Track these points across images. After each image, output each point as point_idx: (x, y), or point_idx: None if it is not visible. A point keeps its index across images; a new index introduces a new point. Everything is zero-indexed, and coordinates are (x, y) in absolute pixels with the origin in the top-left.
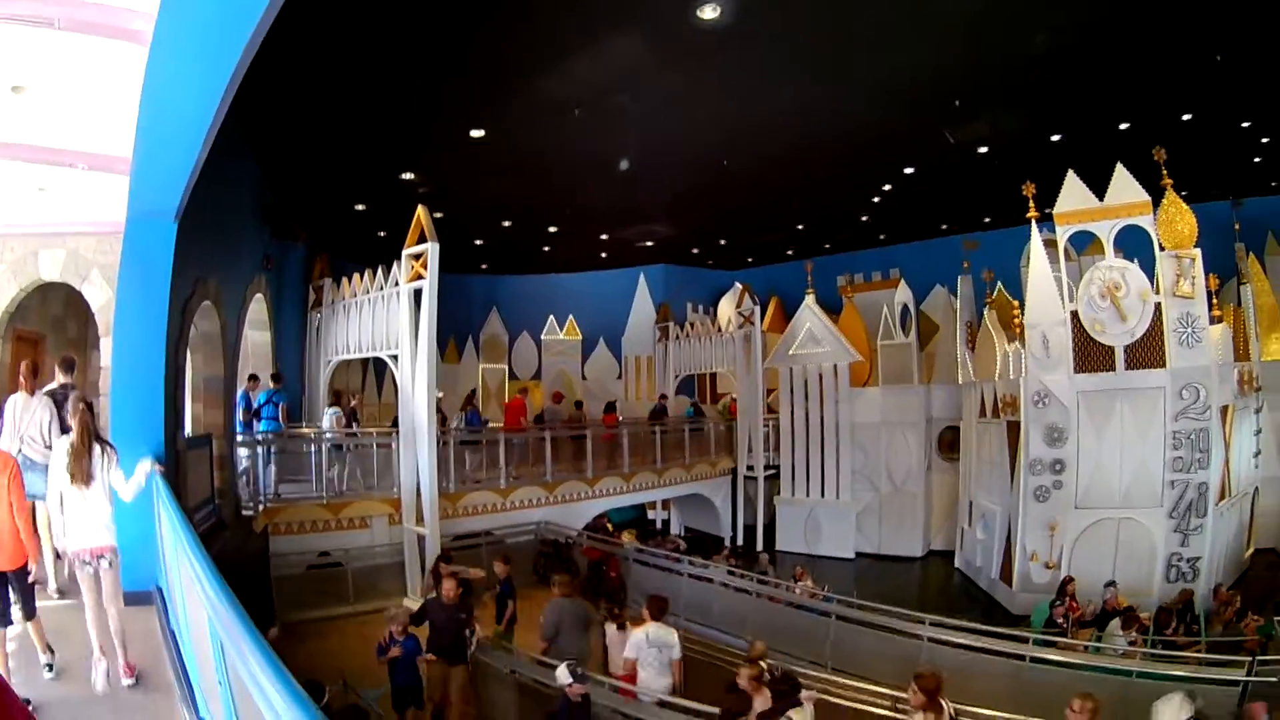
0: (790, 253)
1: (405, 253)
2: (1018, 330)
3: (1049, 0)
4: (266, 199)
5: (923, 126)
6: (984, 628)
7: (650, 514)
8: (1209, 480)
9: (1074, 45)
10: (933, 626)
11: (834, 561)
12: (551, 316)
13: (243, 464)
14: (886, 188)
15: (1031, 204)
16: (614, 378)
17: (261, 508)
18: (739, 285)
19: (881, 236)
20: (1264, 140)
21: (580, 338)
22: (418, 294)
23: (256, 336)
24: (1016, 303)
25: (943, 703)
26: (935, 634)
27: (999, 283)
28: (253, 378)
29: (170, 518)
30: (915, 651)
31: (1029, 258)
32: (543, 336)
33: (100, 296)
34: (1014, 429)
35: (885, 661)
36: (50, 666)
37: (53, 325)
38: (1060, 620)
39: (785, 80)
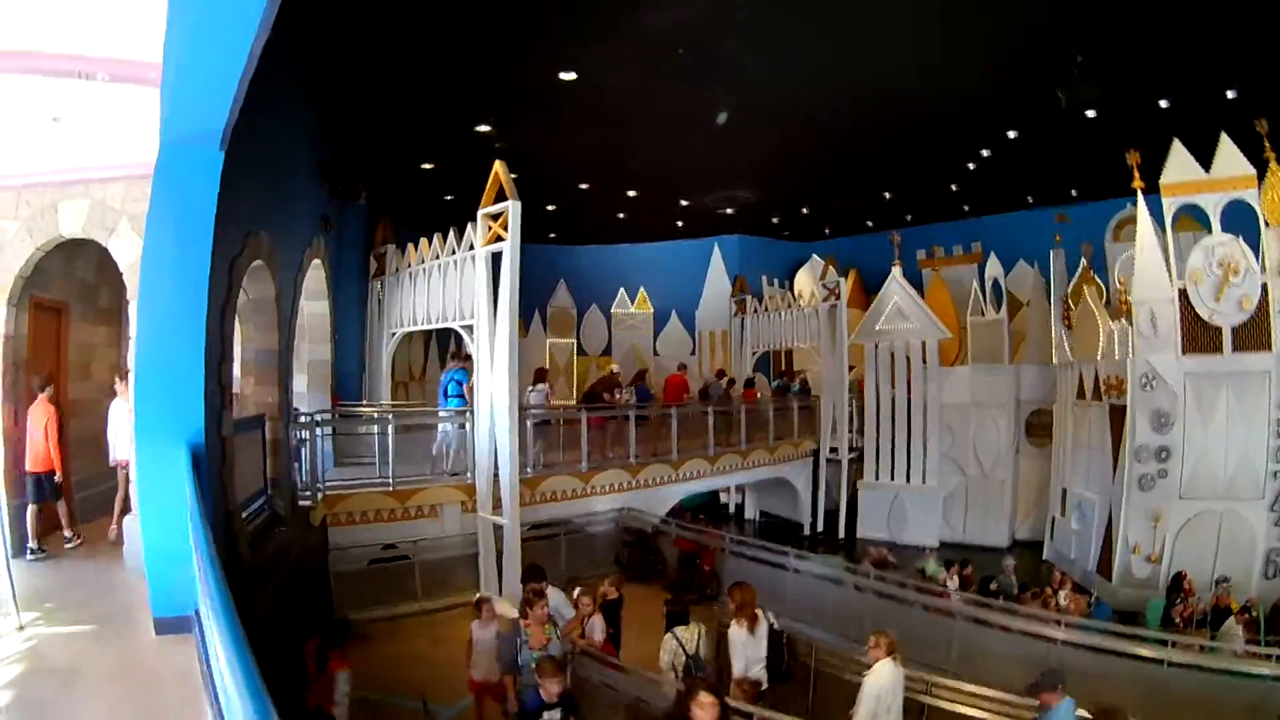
0: (870, 224)
1: (481, 213)
2: (1124, 308)
3: None
4: (324, 154)
5: (1035, 86)
6: (1119, 629)
7: (723, 498)
8: None
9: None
10: (1066, 629)
11: (917, 551)
12: (622, 289)
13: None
14: (985, 153)
15: (1136, 173)
16: (687, 353)
17: (320, 497)
18: (817, 257)
19: (965, 208)
20: None
21: (652, 311)
22: (496, 258)
23: (313, 307)
24: (1096, 280)
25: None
26: (1068, 636)
27: (1083, 260)
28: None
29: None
30: (1044, 654)
31: (1114, 232)
32: (613, 310)
33: (130, 253)
34: (1117, 413)
35: (1013, 665)
36: (69, 539)
37: (80, 292)
38: (1178, 620)
39: (905, 27)
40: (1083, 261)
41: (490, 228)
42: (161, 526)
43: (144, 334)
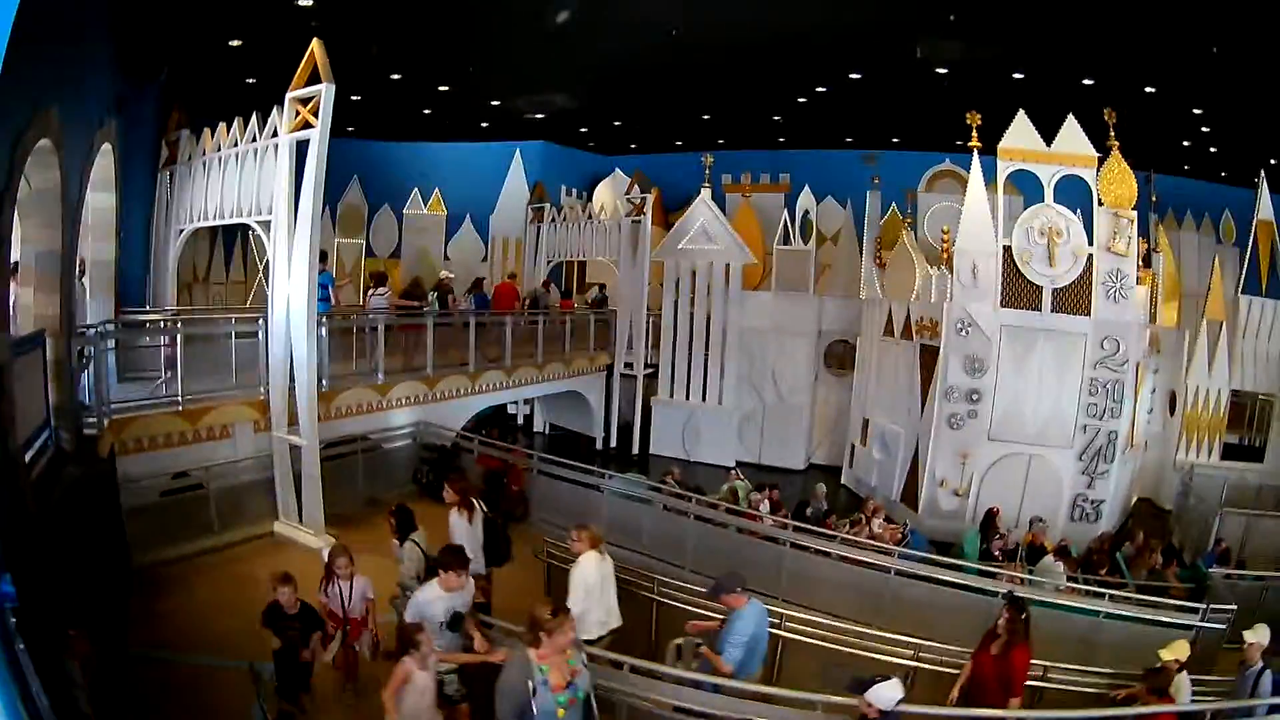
0: (679, 144)
1: (290, 96)
2: (944, 256)
3: None
4: (119, 22)
5: (892, 32)
6: (954, 562)
7: (511, 409)
8: (1119, 429)
9: None
10: (902, 560)
11: (713, 469)
12: (416, 189)
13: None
14: (822, 90)
15: (975, 134)
16: (479, 259)
17: (106, 423)
18: (620, 171)
19: (781, 139)
20: (1204, 129)
21: (445, 214)
22: (300, 148)
23: (98, 199)
24: (907, 221)
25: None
26: (905, 566)
27: (892, 204)
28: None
29: None
30: (881, 585)
31: (927, 184)
32: (405, 210)
33: None
34: (928, 353)
35: (848, 594)
36: None
37: None
38: (996, 553)
39: None
40: (893, 206)
41: (299, 113)
42: None
43: None
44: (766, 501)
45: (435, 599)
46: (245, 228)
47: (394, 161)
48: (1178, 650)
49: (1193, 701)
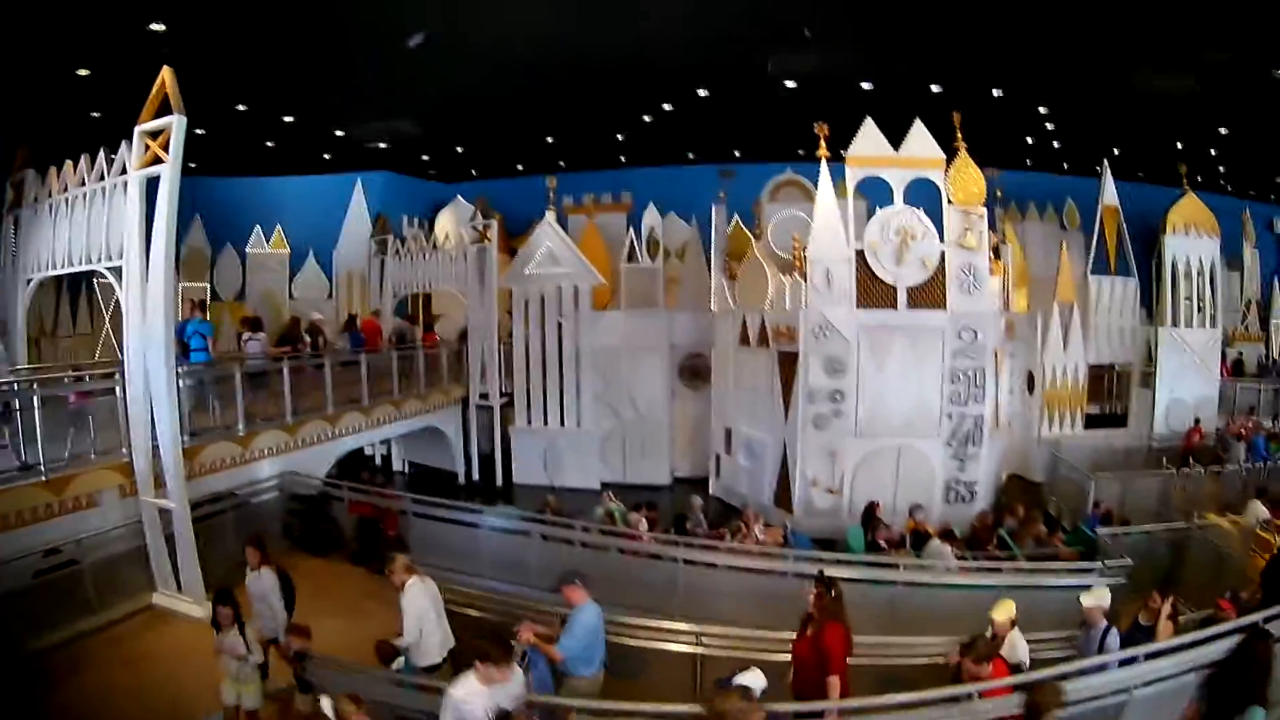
0: (520, 168)
1: (139, 130)
2: (798, 263)
3: None
4: None
5: (744, 48)
6: (845, 556)
7: (368, 449)
8: (984, 413)
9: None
10: (797, 561)
11: (580, 494)
12: (258, 227)
13: None
14: (667, 107)
15: (823, 144)
16: (324, 297)
17: None
18: (462, 199)
19: (622, 158)
20: (1048, 125)
21: (289, 251)
22: (151, 186)
23: None
24: (759, 235)
25: None
26: (799, 569)
27: (735, 216)
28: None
29: None
30: (779, 587)
31: (771, 193)
32: (248, 249)
33: None
34: (785, 358)
35: (744, 602)
36: None
37: None
38: (883, 544)
39: None
40: (736, 218)
41: (148, 148)
42: None
43: None
44: (644, 521)
45: (474, 696)
46: (93, 275)
47: (236, 198)
48: (1007, 609)
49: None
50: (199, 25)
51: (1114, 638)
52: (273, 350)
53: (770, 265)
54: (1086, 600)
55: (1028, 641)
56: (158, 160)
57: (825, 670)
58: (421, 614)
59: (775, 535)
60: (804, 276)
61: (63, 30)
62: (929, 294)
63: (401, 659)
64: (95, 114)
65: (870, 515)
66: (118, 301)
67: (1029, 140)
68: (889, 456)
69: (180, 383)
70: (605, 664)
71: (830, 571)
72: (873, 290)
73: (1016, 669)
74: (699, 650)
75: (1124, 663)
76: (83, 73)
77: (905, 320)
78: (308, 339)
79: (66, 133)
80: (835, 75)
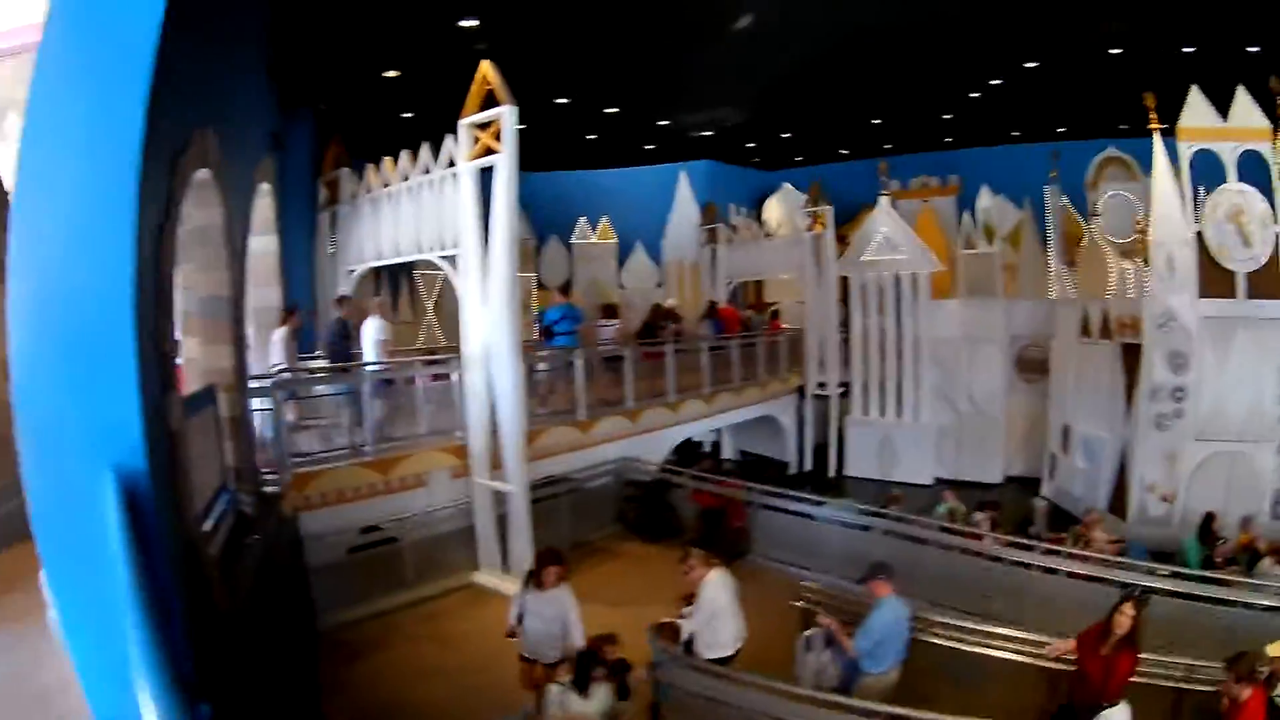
0: (845, 153)
1: (464, 123)
2: (1140, 248)
3: None
4: (272, 55)
5: (1064, 16)
6: (1190, 572)
7: (695, 436)
8: None
9: None
10: (1165, 576)
11: (910, 489)
12: (583, 219)
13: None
14: (996, 82)
15: (1153, 115)
16: (654, 284)
17: (289, 479)
18: (789, 185)
19: (948, 139)
20: None
21: (615, 241)
22: (482, 176)
23: (257, 242)
24: (1093, 213)
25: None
26: (1145, 582)
27: (1063, 198)
28: (342, 300)
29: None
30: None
31: (1096, 172)
32: (573, 240)
33: None
34: (1129, 352)
35: (1084, 611)
36: None
37: None
38: (1219, 560)
39: None
40: (1064, 200)
41: (477, 139)
42: (84, 618)
43: (22, 286)
44: (987, 522)
45: None
46: (411, 266)
47: (556, 192)
48: None
49: None
50: (513, 20)
51: None
52: (630, 338)
53: (1112, 250)
54: None
55: None
56: (488, 151)
57: (1107, 692)
58: (718, 607)
59: (1115, 545)
60: (1146, 261)
61: (378, 29)
62: (1267, 280)
63: None
64: (406, 115)
65: (1208, 527)
66: (441, 289)
67: None
68: (1223, 463)
69: (540, 366)
70: (902, 661)
71: (1168, 587)
72: (1213, 277)
73: None
74: (1036, 662)
75: None
76: (391, 74)
77: (1245, 310)
78: (669, 325)
79: (372, 133)
80: (1154, 38)
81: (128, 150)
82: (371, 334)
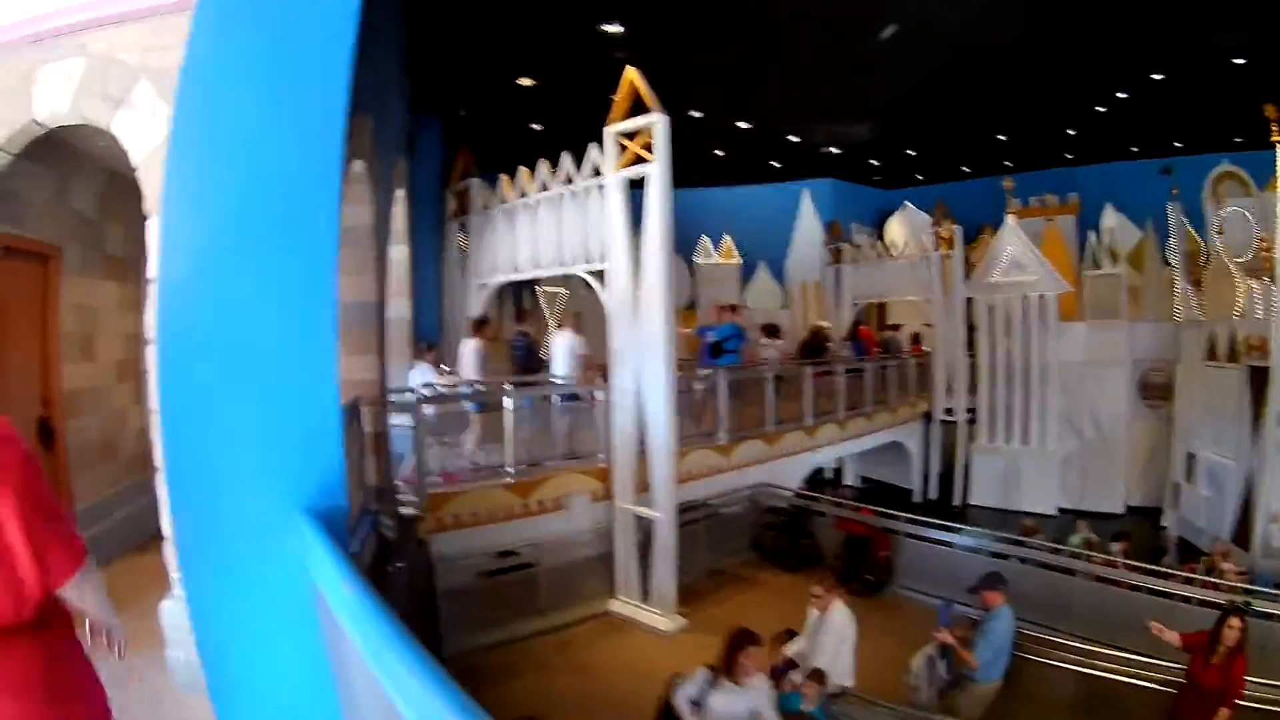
0: (967, 170)
1: (611, 131)
2: (1267, 265)
3: None
4: (406, 55)
5: (1192, 21)
6: None
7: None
8: None
9: None
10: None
11: (1037, 518)
12: (704, 238)
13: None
14: (1122, 95)
15: (1275, 127)
16: (778, 305)
17: (424, 501)
18: (910, 204)
19: (1068, 155)
20: None
21: (739, 262)
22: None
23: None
24: (1217, 231)
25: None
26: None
27: (1181, 215)
28: (481, 322)
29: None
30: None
31: (1213, 188)
32: (695, 259)
33: (153, 133)
34: (1257, 375)
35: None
36: None
37: (77, 230)
38: None
39: None
40: (1182, 217)
41: (625, 148)
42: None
43: (172, 283)
44: (1121, 553)
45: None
46: (532, 282)
47: (680, 209)
48: None
49: None
50: (657, 25)
51: None
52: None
53: (1239, 269)
54: None
55: None
56: (636, 160)
57: (1223, 701)
58: (845, 638)
59: (1242, 578)
60: (1275, 280)
61: (516, 32)
62: None
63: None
64: (536, 126)
65: None
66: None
67: None
68: None
69: (705, 384)
70: (1007, 673)
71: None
72: None
73: None
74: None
75: None
76: (526, 82)
77: None
78: (828, 347)
79: (502, 142)
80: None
81: (330, 132)
82: (565, 347)
